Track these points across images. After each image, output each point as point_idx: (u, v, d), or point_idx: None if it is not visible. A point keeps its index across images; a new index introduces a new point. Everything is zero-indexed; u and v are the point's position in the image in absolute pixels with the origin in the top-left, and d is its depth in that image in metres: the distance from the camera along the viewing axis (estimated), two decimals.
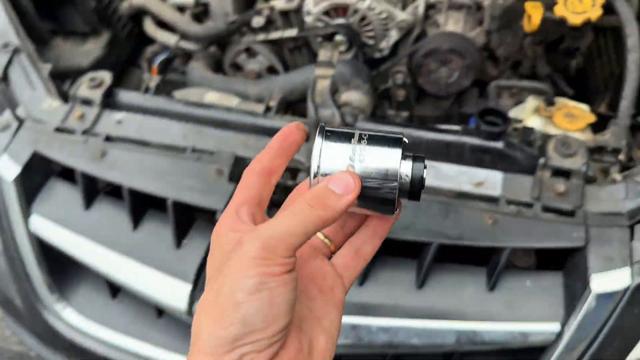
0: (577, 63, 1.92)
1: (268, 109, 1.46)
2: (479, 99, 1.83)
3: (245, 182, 0.55)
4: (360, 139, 0.53)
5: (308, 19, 1.70)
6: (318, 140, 0.53)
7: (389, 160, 0.52)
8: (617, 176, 1.28)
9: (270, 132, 1.44)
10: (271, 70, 1.82)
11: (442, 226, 1.22)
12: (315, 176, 0.53)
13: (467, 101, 1.78)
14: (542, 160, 1.25)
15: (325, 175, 0.53)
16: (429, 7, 1.65)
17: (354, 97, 1.39)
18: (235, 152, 1.37)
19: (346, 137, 0.54)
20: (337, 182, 0.51)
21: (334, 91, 1.41)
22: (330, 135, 0.54)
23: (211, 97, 1.62)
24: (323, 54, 1.48)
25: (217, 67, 1.87)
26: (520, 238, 1.19)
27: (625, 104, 1.54)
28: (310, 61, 1.79)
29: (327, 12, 1.67)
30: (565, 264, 1.21)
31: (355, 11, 1.64)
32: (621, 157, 1.36)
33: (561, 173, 1.26)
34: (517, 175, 1.27)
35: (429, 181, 1.27)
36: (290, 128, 0.57)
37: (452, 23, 1.64)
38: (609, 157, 1.36)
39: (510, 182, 1.27)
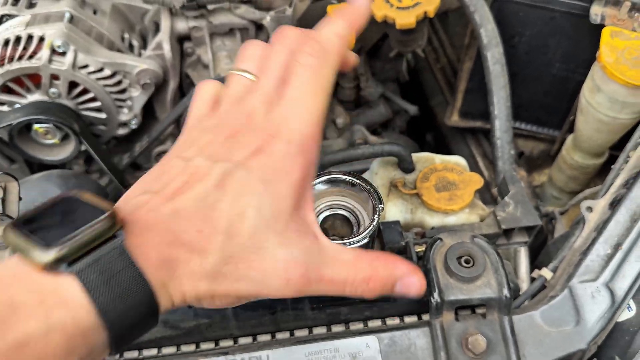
0: (408, 63, 1.42)
1: None
2: None
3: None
4: None
5: None
6: None
7: None
8: (546, 273, 0.79)
9: None
10: None
11: None
12: None
13: None
14: (435, 298, 0.70)
15: None
16: (182, 39, 1.00)
17: None
18: None
19: None
20: None
21: None
22: None
23: None
24: None
25: None
26: None
27: (500, 124, 1.06)
28: (12, 160, 1.04)
29: (6, 89, 0.93)
30: None
31: (53, 77, 0.93)
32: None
33: (469, 306, 0.74)
34: (402, 333, 0.71)
35: None
36: None
37: (226, 59, 1.00)
38: (520, 237, 0.87)
39: (396, 351, 0.70)
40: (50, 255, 0.39)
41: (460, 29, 1.44)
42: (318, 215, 0.67)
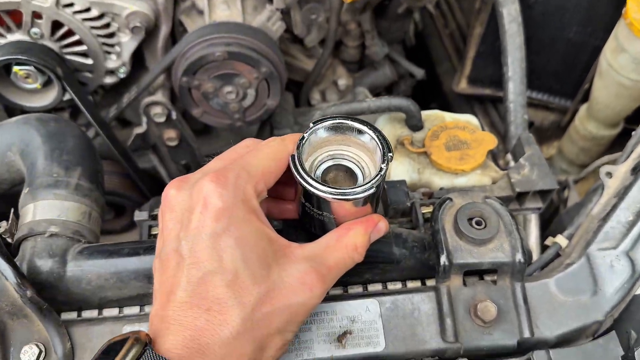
0: (415, 25, 1.34)
1: None
2: (297, 109, 1.17)
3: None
4: None
5: None
6: None
7: None
8: (561, 240, 0.73)
9: None
10: None
11: None
12: None
13: (281, 117, 1.12)
14: (443, 261, 0.64)
15: None
16: None
17: (51, 210, 0.63)
18: None
19: None
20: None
21: None
22: None
23: None
24: None
25: None
26: None
27: (514, 87, 0.99)
28: None
29: None
30: None
31: (37, 16, 0.85)
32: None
33: (478, 272, 0.68)
34: (405, 297, 0.65)
35: None
36: None
37: (222, 4, 0.93)
38: (533, 202, 0.81)
39: (398, 316, 0.64)
40: None
41: None
42: (319, 166, 0.60)
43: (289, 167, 0.55)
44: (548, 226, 0.88)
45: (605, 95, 0.94)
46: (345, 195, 0.53)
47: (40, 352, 0.60)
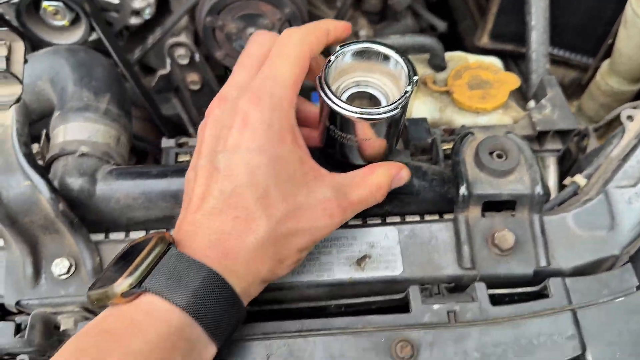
0: None
1: None
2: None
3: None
4: None
5: None
6: None
7: None
8: (579, 180, 0.73)
9: None
10: None
11: None
12: None
13: None
14: (463, 191, 0.65)
15: None
16: None
17: (81, 131, 0.65)
18: None
19: None
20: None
21: (29, 134, 0.62)
22: None
23: None
24: None
25: None
26: None
27: (536, 36, 0.98)
28: None
29: None
30: None
31: None
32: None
33: (497, 204, 0.68)
34: (424, 226, 0.66)
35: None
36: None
37: None
38: (553, 143, 0.81)
39: (416, 243, 0.66)
40: (122, 285, 0.46)
41: None
42: (344, 92, 0.61)
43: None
44: (566, 175, 0.89)
45: (629, 47, 0.93)
46: (370, 114, 0.54)
47: (71, 265, 0.62)
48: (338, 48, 0.58)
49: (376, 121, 0.55)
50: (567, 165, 0.95)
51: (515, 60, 1.26)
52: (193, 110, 1.07)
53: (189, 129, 1.10)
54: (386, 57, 0.58)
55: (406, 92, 0.55)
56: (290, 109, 0.53)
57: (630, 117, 0.74)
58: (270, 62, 0.54)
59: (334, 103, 0.54)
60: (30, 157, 0.59)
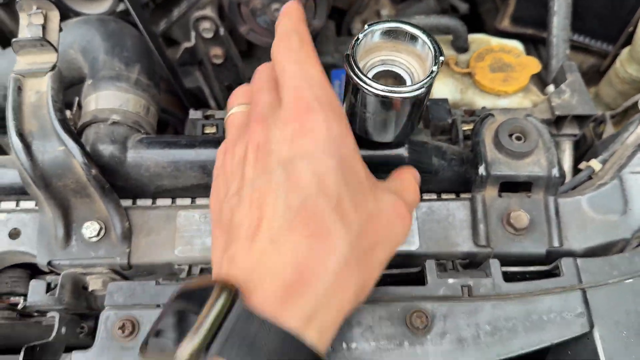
0: None
1: None
2: (338, 37, 1.18)
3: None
4: None
5: None
6: None
7: None
8: (594, 164, 0.75)
9: None
10: None
11: None
12: None
13: (322, 44, 1.14)
14: (481, 171, 0.67)
15: None
16: None
17: (112, 100, 0.67)
18: None
19: None
20: None
21: (63, 100, 0.64)
22: None
23: None
24: (28, 19, 0.70)
25: None
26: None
27: (558, 21, 0.98)
28: None
29: None
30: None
31: None
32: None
33: (514, 184, 0.70)
34: (441, 203, 0.68)
35: None
36: None
37: None
38: (571, 128, 0.82)
39: (432, 219, 0.68)
40: (186, 351, 0.38)
41: None
42: (370, 70, 0.62)
43: None
44: (582, 159, 0.90)
45: None
46: (395, 92, 0.55)
47: (101, 228, 0.65)
48: (367, 27, 0.59)
49: (401, 99, 0.56)
50: (583, 150, 0.96)
51: (535, 45, 1.26)
52: (215, 84, 1.08)
53: (210, 102, 1.12)
54: (413, 37, 0.59)
55: (432, 72, 0.56)
56: (339, 107, 0.48)
57: None
58: (291, 72, 0.49)
59: (361, 80, 0.56)
60: (64, 123, 0.62)
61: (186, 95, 1.07)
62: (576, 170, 0.76)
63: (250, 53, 1.13)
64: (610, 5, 1.12)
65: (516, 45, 0.79)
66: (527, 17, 1.20)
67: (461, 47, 0.78)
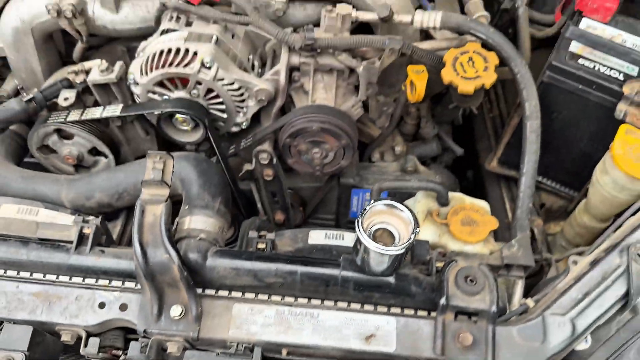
0: (464, 110, 1.66)
1: (82, 238, 1.03)
2: (360, 164, 1.51)
3: None
4: None
5: (137, 91, 1.26)
6: None
7: None
8: (529, 302, 1.03)
9: (85, 271, 1.02)
10: (98, 151, 1.37)
11: None
12: None
13: (347, 170, 1.46)
14: (443, 301, 0.96)
15: None
16: (293, 69, 1.28)
17: (201, 223, 1.01)
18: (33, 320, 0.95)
19: None
20: None
21: (170, 222, 0.98)
22: None
23: (5, 210, 1.14)
24: (153, 165, 1.04)
25: (25, 150, 1.38)
26: None
27: (525, 181, 1.29)
28: (147, 132, 1.35)
29: (161, 83, 1.24)
30: None
31: (197, 83, 1.22)
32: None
33: (466, 313, 0.99)
34: (414, 320, 0.97)
35: (308, 339, 0.95)
36: None
37: (322, 90, 1.28)
38: (517, 272, 1.11)
39: (407, 331, 0.97)
40: None
41: (515, 89, 1.67)
42: (373, 226, 0.93)
43: None
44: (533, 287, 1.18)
45: (594, 200, 1.22)
46: (385, 250, 0.86)
47: (182, 311, 0.95)
48: (373, 201, 0.91)
49: (389, 255, 0.87)
50: (537, 279, 1.24)
51: (517, 183, 1.57)
52: (263, 192, 1.41)
53: (258, 204, 1.43)
54: (402, 211, 0.91)
55: (410, 239, 0.87)
56: None
57: (574, 262, 1.04)
58: None
59: (365, 240, 0.87)
60: (170, 240, 0.94)
61: (240, 197, 1.39)
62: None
63: (291, 170, 1.46)
64: (575, 165, 1.43)
65: (484, 205, 1.09)
66: (512, 161, 1.52)
67: (443, 203, 1.08)
